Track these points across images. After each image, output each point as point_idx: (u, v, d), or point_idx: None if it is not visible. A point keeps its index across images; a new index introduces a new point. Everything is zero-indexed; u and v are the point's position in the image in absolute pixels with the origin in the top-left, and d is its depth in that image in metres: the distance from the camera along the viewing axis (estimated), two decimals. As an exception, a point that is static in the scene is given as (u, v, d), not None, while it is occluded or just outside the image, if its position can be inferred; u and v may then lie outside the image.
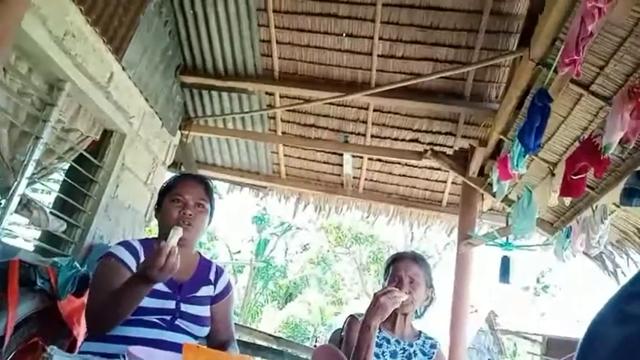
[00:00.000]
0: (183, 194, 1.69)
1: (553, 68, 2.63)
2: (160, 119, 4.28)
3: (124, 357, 1.34)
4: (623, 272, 3.74)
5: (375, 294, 1.63)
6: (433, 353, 1.84)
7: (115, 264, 1.57)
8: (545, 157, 3.54)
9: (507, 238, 4.12)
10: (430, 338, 1.89)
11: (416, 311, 1.90)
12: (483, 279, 4.44)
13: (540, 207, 3.64)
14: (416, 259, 1.87)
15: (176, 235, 1.39)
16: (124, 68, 3.52)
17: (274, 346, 4.10)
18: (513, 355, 20.36)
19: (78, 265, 2.97)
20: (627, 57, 2.51)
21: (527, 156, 3.14)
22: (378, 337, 1.78)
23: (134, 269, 1.55)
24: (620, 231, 3.58)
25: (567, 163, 3.05)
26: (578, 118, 3.06)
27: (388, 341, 1.80)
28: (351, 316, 1.85)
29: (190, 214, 1.67)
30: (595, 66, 2.71)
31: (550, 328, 15.69)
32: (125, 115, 3.69)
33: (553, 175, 3.39)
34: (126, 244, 1.64)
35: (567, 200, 3.33)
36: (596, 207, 3.28)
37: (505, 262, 4.07)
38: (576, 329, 14.37)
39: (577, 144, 3.09)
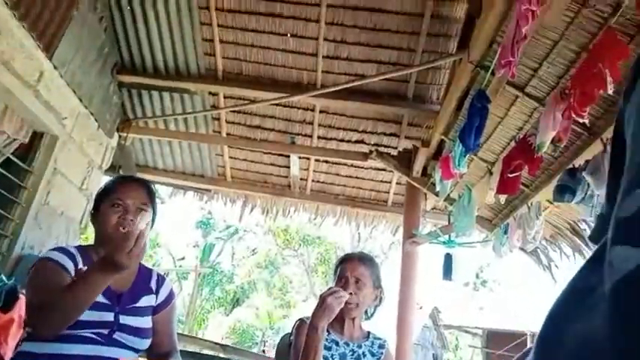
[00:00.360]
0: (123, 199, 1.59)
1: (490, 70, 2.74)
2: (96, 120, 4.06)
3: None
4: (556, 266, 3.95)
5: (320, 295, 1.62)
6: (381, 353, 1.85)
7: (52, 266, 1.45)
8: (484, 157, 3.68)
9: (450, 236, 4.25)
10: (378, 338, 1.89)
11: (366, 312, 1.90)
12: (427, 276, 4.56)
13: (479, 205, 3.78)
14: (362, 259, 1.87)
15: (144, 219, 1.34)
16: (55, 66, 3.32)
17: (221, 355, 3.99)
18: (456, 348, 21.11)
19: (4, 278, 2.76)
20: (559, 59, 2.65)
21: (467, 155, 3.25)
22: (327, 339, 1.76)
23: (72, 273, 1.45)
24: (553, 227, 3.78)
25: (504, 162, 3.19)
26: (514, 118, 3.20)
27: (337, 343, 1.79)
28: (299, 319, 1.82)
29: (131, 220, 1.57)
30: (529, 68, 2.85)
31: (489, 321, 16.40)
32: (57, 116, 3.47)
33: (491, 173, 3.53)
34: (62, 250, 1.53)
35: (503, 198, 3.47)
36: (531, 204, 3.45)
37: (448, 260, 4.19)
38: (514, 322, 15.11)
39: (513, 143, 3.23)
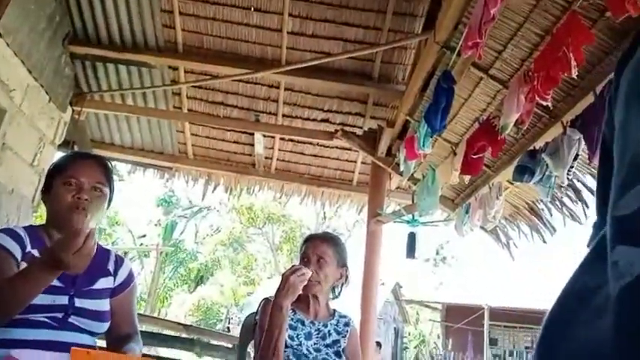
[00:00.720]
0: (77, 176, 1.50)
1: (456, 51, 2.73)
2: (47, 93, 3.84)
3: None
4: (514, 244, 4.07)
5: (283, 274, 1.62)
6: (347, 331, 1.86)
7: None
8: (448, 138, 3.71)
9: (413, 215, 4.30)
10: (344, 316, 1.91)
11: (333, 290, 1.90)
12: (389, 253, 4.64)
13: (443, 185, 3.83)
14: (325, 238, 1.89)
15: (95, 217, 1.29)
16: (1, 35, 3.09)
17: (184, 335, 3.94)
18: (416, 322, 21.80)
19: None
20: (523, 42, 2.66)
21: (433, 136, 3.26)
22: (292, 319, 1.76)
23: (19, 259, 1.38)
24: (512, 206, 3.88)
25: (467, 143, 3.22)
26: (478, 100, 3.22)
27: (303, 323, 1.80)
28: (265, 299, 1.81)
29: (86, 199, 1.49)
30: (494, 50, 2.85)
31: (448, 296, 17.00)
32: (4, 88, 3.26)
33: (455, 154, 3.56)
34: (8, 231, 1.44)
35: (467, 178, 3.53)
36: (492, 184, 3.52)
37: (412, 239, 4.26)
38: (472, 297, 15.69)
39: (477, 125, 3.26)
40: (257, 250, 21.79)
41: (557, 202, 3.36)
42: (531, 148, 2.90)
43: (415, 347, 20.88)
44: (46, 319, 1.37)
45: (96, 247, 1.24)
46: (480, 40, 2.38)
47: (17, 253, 1.40)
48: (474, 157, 3.11)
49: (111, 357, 0.80)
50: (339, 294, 1.94)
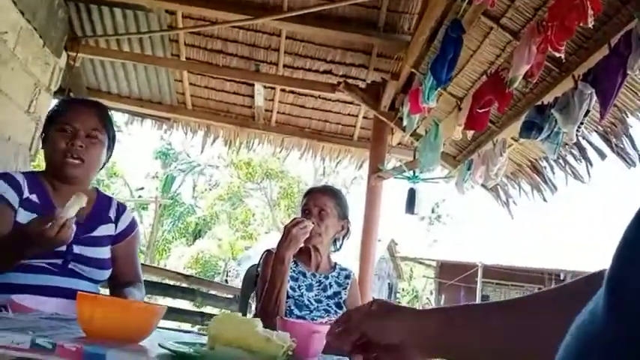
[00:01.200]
0: (72, 122, 1.46)
1: (468, -1, 2.61)
2: (41, 37, 3.70)
3: (5, 308, 1.17)
4: (514, 202, 4.06)
5: (285, 226, 1.63)
6: (347, 283, 1.87)
7: None
8: (453, 92, 3.63)
9: (414, 172, 4.27)
10: (344, 269, 1.92)
11: (334, 243, 1.90)
12: (385, 210, 4.64)
13: (445, 140, 3.78)
14: (325, 191, 1.89)
15: (77, 203, 1.23)
16: (-12, -29, 2.94)
17: (183, 284, 3.98)
18: (410, 278, 22.29)
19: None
20: (538, -10, 2.55)
21: (438, 89, 3.18)
22: (294, 271, 1.76)
23: (16, 206, 1.37)
24: (515, 164, 3.84)
25: (473, 97, 3.14)
26: (487, 52, 3.13)
27: (304, 275, 1.80)
28: (267, 251, 1.82)
29: (81, 146, 1.46)
30: (506, -2, 2.74)
31: (442, 253, 17.29)
32: (-5, 30, 3.13)
33: (459, 109, 3.49)
34: (6, 177, 1.42)
35: (470, 134, 3.47)
36: (497, 141, 3.47)
37: (412, 195, 4.24)
38: (466, 254, 15.97)
39: (484, 78, 3.17)
40: (255, 205, 21.93)
41: (561, 161, 3.32)
42: (539, 103, 2.84)
43: (408, 302, 21.46)
44: (45, 265, 1.37)
45: (72, 234, 1.24)
46: (494, -14, 2.27)
47: (14, 200, 1.38)
48: (480, 111, 3.05)
49: (117, 302, 0.78)
50: (341, 246, 1.95)
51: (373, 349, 0.67)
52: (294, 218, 1.66)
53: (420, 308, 0.71)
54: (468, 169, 3.86)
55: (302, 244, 1.62)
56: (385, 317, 0.67)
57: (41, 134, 1.55)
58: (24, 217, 1.38)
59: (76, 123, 1.47)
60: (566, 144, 3.05)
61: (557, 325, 0.46)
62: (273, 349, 0.72)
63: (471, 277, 15.58)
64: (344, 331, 0.68)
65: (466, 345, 0.62)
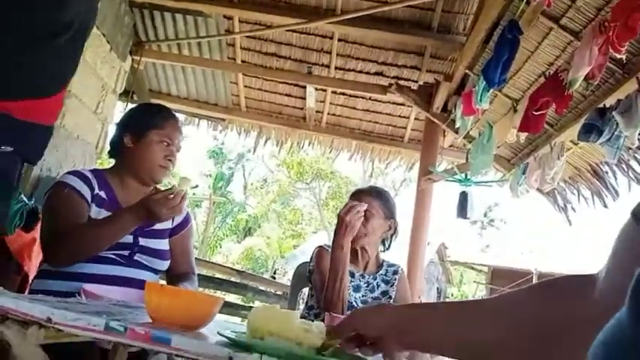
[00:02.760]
0: (172, 138, 1.63)
1: (526, -1, 2.55)
2: (108, 42, 3.94)
3: (78, 295, 1.27)
4: (573, 208, 3.90)
5: (339, 215, 1.65)
6: (395, 279, 1.87)
7: (69, 193, 1.46)
8: (509, 93, 3.54)
9: (466, 174, 4.19)
10: (392, 265, 1.92)
11: (383, 242, 1.91)
12: (436, 213, 4.58)
13: (499, 143, 3.69)
14: (371, 192, 1.89)
15: (186, 184, 1.44)
16: (63, -18, 3.15)
17: (235, 280, 4.11)
18: (460, 283, 21.74)
19: (25, 199, 2.80)
20: (601, -11, 2.45)
21: (490, 91, 3.12)
22: None
23: (89, 199, 1.48)
24: (574, 168, 3.70)
25: (530, 99, 3.06)
26: (546, 53, 3.03)
27: (352, 275, 1.82)
28: (319, 246, 1.86)
29: (174, 159, 1.66)
30: (567, -2, 2.65)
31: (494, 259, 16.74)
32: (68, 36, 3.35)
33: (515, 111, 3.41)
34: (78, 174, 1.52)
35: (522, 137, 3.37)
36: (554, 144, 3.35)
37: (463, 198, 4.16)
38: (520, 261, 15.40)
39: (542, 79, 3.08)
40: (303, 205, 22.14)
41: (624, 165, 3.17)
42: (601, 105, 2.72)
43: (458, 308, 20.89)
44: (114, 256, 1.47)
45: (185, 202, 1.42)
46: (553, -14, 2.21)
47: (87, 195, 1.48)
48: (536, 113, 2.96)
49: (182, 292, 0.85)
50: (389, 246, 1.95)
51: (366, 340, 0.74)
52: (347, 204, 1.68)
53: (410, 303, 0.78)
54: (523, 172, 3.75)
55: (358, 227, 1.64)
56: (369, 312, 0.76)
57: (126, 134, 1.61)
58: (94, 212, 1.48)
59: (175, 139, 1.64)
60: (629, 148, 2.90)
61: (537, 322, 0.51)
62: (313, 339, 0.75)
63: (524, 285, 14.99)
64: (339, 327, 0.77)
65: (440, 339, 0.67)
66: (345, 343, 0.76)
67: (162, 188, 1.53)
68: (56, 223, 1.43)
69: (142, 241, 1.52)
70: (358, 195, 1.88)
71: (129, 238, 1.49)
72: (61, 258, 1.41)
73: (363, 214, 1.63)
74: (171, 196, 1.38)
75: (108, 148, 1.71)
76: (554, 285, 0.60)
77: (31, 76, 1.00)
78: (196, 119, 5.51)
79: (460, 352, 0.64)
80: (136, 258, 1.51)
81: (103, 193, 1.53)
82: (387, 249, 1.95)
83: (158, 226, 1.59)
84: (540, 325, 0.55)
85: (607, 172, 3.45)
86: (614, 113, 2.48)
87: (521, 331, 0.57)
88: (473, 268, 19.27)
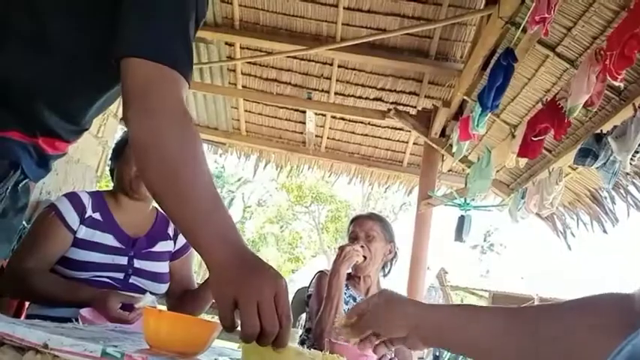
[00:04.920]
0: None
1: (522, 27, 2.60)
2: (111, 67, 4.00)
3: (76, 320, 1.25)
4: (572, 233, 3.90)
5: (340, 247, 1.76)
6: None
7: (54, 221, 1.45)
8: (507, 119, 3.58)
9: (465, 199, 4.20)
10: None
11: (383, 267, 1.91)
12: (436, 238, 4.58)
13: (498, 168, 3.71)
14: (371, 216, 1.94)
15: (147, 302, 1.31)
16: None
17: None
18: (460, 309, 21.50)
19: (25, 223, 2.79)
20: (595, 19, 2.50)
21: (487, 116, 3.15)
22: (345, 294, 1.79)
23: (75, 228, 1.46)
24: (573, 193, 3.71)
25: (529, 125, 3.09)
26: (543, 80, 3.08)
27: (354, 299, 1.83)
28: (319, 271, 1.88)
29: None
30: (563, 27, 2.70)
31: (495, 284, 16.61)
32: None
33: (513, 136, 3.43)
34: (72, 197, 1.52)
35: (522, 162, 3.39)
36: (552, 169, 3.37)
37: (461, 222, 4.16)
38: (520, 286, 15.28)
39: (539, 106, 3.12)
40: (302, 228, 22.07)
41: (622, 191, 3.18)
42: (598, 131, 2.75)
43: (458, 334, 20.63)
44: (107, 280, 1.45)
45: (139, 318, 1.29)
46: (548, 15, 2.26)
47: (74, 222, 1.47)
48: (534, 139, 2.98)
49: (180, 317, 0.84)
50: (389, 271, 1.96)
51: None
52: (348, 243, 1.78)
53: (427, 303, 0.77)
54: (522, 197, 3.76)
55: (355, 261, 1.73)
56: (390, 313, 0.73)
57: (114, 155, 1.66)
58: (85, 233, 1.48)
59: None
60: (627, 174, 2.92)
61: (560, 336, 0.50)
62: None
63: (526, 311, 14.83)
64: (354, 329, 0.75)
65: (465, 341, 0.68)
66: (360, 343, 0.76)
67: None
68: (26, 253, 1.42)
69: (137, 264, 1.51)
70: (358, 220, 1.92)
71: (122, 260, 1.48)
72: (6, 289, 1.42)
73: (361, 253, 1.74)
74: (130, 316, 1.28)
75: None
76: (594, 299, 0.63)
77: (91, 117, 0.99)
78: (197, 143, 5.54)
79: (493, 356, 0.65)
80: (131, 281, 1.49)
81: (97, 215, 1.52)
82: (387, 274, 1.95)
83: (157, 248, 1.59)
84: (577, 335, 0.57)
85: (606, 198, 3.46)
86: (608, 138, 2.50)
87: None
88: (473, 294, 19.08)
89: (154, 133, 0.74)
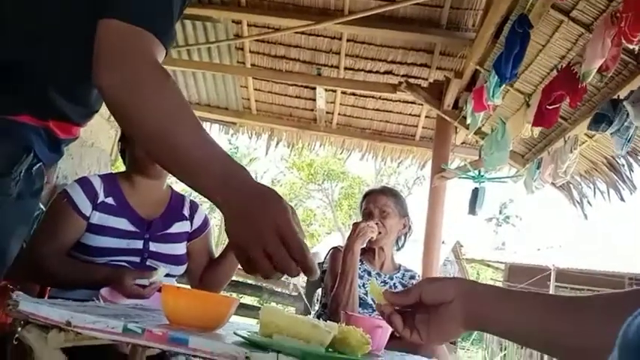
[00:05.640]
0: None
1: (535, -8, 2.53)
2: (120, 50, 3.99)
3: (96, 299, 1.28)
4: (589, 202, 3.85)
5: (354, 223, 1.75)
6: (412, 284, 1.87)
7: (66, 207, 1.46)
8: (521, 88, 3.51)
9: (479, 171, 4.16)
10: (409, 270, 1.94)
11: (397, 242, 1.91)
12: (450, 211, 4.55)
13: (513, 138, 3.66)
14: (384, 191, 1.92)
15: (159, 275, 1.35)
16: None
17: (251, 281, 4.14)
18: (476, 281, 21.58)
19: (42, 207, 2.84)
20: (611, -20, 2.42)
21: (503, 86, 3.10)
22: (360, 269, 1.80)
23: (88, 214, 1.46)
24: (589, 161, 3.65)
25: (543, 93, 3.03)
26: (557, 46, 3.00)
27: (369, 274, 1.84)
28: (333, 247, 1.88)
29: None
30: (577, -10, 2.62)
31: (510, 256, 16.60)
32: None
33: (528, 105, 3.37)
34: (84, 183, 1.51)
35: (536, 131, 3.34)
36: (568, 137, 3.31)
37: (475, 195, 4.13)
38: (536, 257, 15.24)
39: (554, 73, 3.05)
40: (316, 206, 22.17)
41: (640, 157, 3.12)
42: (615, 97, 2.68)
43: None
44: (124, 263, 1.46)
45: (154, 291, 1.32)
46: (562, -22, 2.19)
47: (86, 208, 1.47)
48: (550, 107, 2.93)
49: (198, 293, 0.86)
50: (403, 245, 1.97)
51: (415, 315, 0.72)
52: (362, 220, 1.78)
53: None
54: (538, 167, 3.71)
55: (370, 236, 1.72)
56: (444, 279, 0.73)
57: (123, 136, 1.65)
58: (98, 218, 1.48)
59: None
60: (646, 140, 2.86)
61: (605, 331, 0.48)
62: (321, 335, 0.75)
63: (542, 281, 14.83)
64: (404, 291, 0.73)
65: (511, 321, 0.65)
66: (393, 315, 0.73)
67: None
68: (41, 238, 1.44)
69: (153, 247, 1.51)
70: (372, 195, 1.91)
71: (138, 244, 1.48)
72: (24, 274, 1.42)
73: (376, 230, 1.74)
74: (145, 290, 1.32)
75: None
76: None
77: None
78: (208, 123, 5.55)
79: (534, 340, 0.64)
80: (148, 264, 1.50)
81: (110, 200, 1.52)
82: (401, 248, 1.96)
83: (173, 230, 1.58)
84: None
85: (623, 165, 3.40)
86: (625, 103, 2.44)
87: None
88: (489, 266, 19.11)
89: (131, 91, 0.72)
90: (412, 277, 1.91)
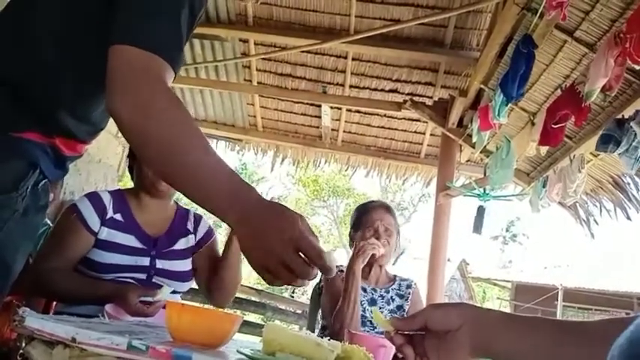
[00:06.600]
0: None
1: (538, 13, 2.56)
2: (128, 68, 4.05)
3: (102, 315, 1.28)
4: (595, 221, 3.83)
5: (355, 243, 1.73)
6: (409, 293, 1.86)
7: (75, 222, 1.46)
8: (525, 107, 3.52)
9: (485, 189, 4.16)
10: (405, 280, 1.92)
11: None
12: (456, 228, 4.53)
13: (518, 157, 3.66)
14: (388, 208, 1.90)
15: (165, 294, 1.35)
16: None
17: (255, 299, 4.12)
18: (482, 300, 21.33)
19: (49, 222, 2.86)
20: (614, 1, 2.44)
21: (508, 105, 3.11)
22: None
23: (96, 229, 1.47)
24: (595, 180, 3.64)
25: (548, 112, 3.04)
26: (561, 65, 3.02)
27: (364, 290, 1.82)
28: None
29: None
30: (580, 11, 2.65)
31: (517, 274, 16.41)
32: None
33: (533, 124, 3.38)
34: (93, 198, 1.52)
35: (543, 150, 3.34)
36: (574, 156, 3.31)
37: (480, 213, 4.12)
38: (544, 275, 15.06)
39: (558, 92, 3.06)
40: (321, 223, 22.10)
41: (646, 176, 3.11)
42: (619, 116, 2.69)
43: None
44: (131, 280, 1.46)
45: (159, 310, 1.32)
46: (564, 0, 2.22)
47: (95, 223, 1.47)
48: (555, 126, 2.94)
49: (201, 311, 0.87)
50: (395, 261, 1.96)
51: (424, 342, 0.72)
52: (368, 240, 1.74)
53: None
54: (543, 186, 3.70)
55: (370, 255, 1.69)
56: (447, 306, 0.73)
57: (131, 153, 1.65)
58: (107, 234, 1.49)
59: None
60: (652, 159, 2.85)
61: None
62: (324, 354, 0.75)
63: (549, 301, 14.63)
64: (410, 317, 0.74)
65: (518, 349, 0.65)
66: (401, 344, 0.73)
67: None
68: (48, 253, 1.45)
69: (159, 264, 1.52)
70: (377, 210, 1.86)
71: (145, 261, 1.49)
72: (31, 289, 1.43)
73: (378, 245, 1.71)
74: (150, 308, 1.32)
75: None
76: None
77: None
78: (214, 140, 5.60)
79: None
80: (154, 281, 1.50)
81: (119, 216, 1.53)
82: (394, 263, 1.95)
83: (177, 247, 1.59)
84: None
85: (629, 184, 3.39)
86: (632, 124, 2.45)
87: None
88: (496, 285, 18.89)
89: (143, 115, 0.74)
90: (409, 287, 1.88)
